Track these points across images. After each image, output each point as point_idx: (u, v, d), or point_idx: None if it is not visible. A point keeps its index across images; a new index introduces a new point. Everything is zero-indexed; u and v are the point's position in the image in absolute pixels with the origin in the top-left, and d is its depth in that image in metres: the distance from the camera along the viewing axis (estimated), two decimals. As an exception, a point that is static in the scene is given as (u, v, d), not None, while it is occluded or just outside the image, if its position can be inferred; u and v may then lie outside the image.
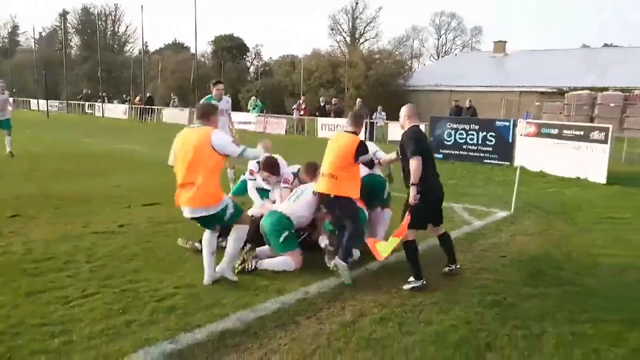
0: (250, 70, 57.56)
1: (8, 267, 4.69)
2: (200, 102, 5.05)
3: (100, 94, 37.00)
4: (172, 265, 4.97)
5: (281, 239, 4.97)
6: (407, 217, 4.56)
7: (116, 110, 36.11)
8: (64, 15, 62.87)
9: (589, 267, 5.29)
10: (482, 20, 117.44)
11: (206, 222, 4.54)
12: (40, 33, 69.01)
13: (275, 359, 3.29)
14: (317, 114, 23.91)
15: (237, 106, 29.25)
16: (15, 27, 71.81)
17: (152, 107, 32.67)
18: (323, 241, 5.32)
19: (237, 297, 4.20)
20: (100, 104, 37.60)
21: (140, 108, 33.35)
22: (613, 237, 6.47)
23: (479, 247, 5.94)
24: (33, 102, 45.25)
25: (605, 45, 49.39)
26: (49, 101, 38.58)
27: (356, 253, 5.15)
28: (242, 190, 6.44)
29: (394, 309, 4.10)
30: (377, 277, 4.84)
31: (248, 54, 59.47)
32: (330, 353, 3.37)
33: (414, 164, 4.54)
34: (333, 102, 24.36)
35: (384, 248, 4.57)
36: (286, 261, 4.92)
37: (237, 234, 4.59)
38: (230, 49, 53.87)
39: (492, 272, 5.08)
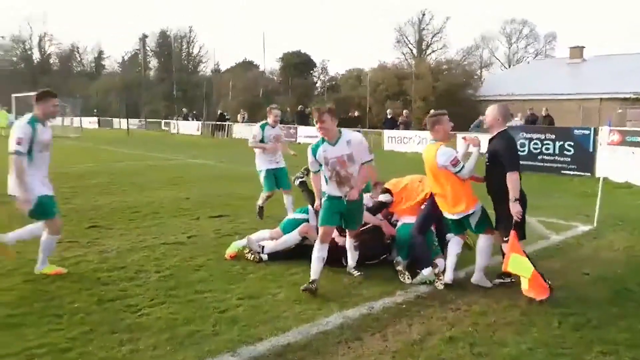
0: (317, 85, 58.29)
1: (84, 276, 4.92)
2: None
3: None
4: (236, 276, 4.99)
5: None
6: (514, 232, 4.32)
7: (190, 127, 37.74)
8: (143, 39, 66.86)
9: (687, 288, 4.75)
10: (556, 26, 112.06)
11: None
12: (122, 57, 73.93)
13: (338, 377, 3.16)
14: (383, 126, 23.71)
15: (305, 121, 29.66)
16: (100, 52, 77.33)
17: (223, 123, 33.83)
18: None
19: (299, 311, 4.13)
20: (175, 121, 39.48)
21: (212, 124, 34.64)
22: None
23: (558, 263, 5.52)
24: (115, 121, 48.40)
25: (698, 46, 45.42)
26: (129, 120, 41.04)
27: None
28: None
29: (465, 328, 3.85)
30: (445, 293, 4.59)
31: (315, 69, 60.31)
32: (395, 372, 3.20)
33: (514, 178, 4.32)
34: (404, 114, 24.09)
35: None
36: (292, 236, 5.44)
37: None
38: (298, 65, 54.86)
39: (573, 290, 4.67)
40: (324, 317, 4.01)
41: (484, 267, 4.71)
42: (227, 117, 35.27)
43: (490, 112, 4.58)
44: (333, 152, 4.63)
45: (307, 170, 5.70)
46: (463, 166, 4.55)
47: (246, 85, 51.15)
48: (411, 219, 5.26)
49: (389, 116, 23.66)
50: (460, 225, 4.78)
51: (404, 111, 25.51)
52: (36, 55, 73.82)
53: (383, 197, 5.65)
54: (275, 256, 5.45)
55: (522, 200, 4.44)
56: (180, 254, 5.71)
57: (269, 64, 66.06)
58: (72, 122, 36.32)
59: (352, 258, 5.10)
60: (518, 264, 4.25)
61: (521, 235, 4.51)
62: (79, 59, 77.15)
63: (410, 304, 4.33)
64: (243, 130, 31.53)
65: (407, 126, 22.95)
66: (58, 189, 10.06)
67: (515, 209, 4.30)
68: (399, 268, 4.96)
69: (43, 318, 3.90)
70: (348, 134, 4.78)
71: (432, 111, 5.13)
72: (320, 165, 4.74)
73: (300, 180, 6.58)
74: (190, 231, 6.77)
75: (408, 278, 4.83)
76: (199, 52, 73.32)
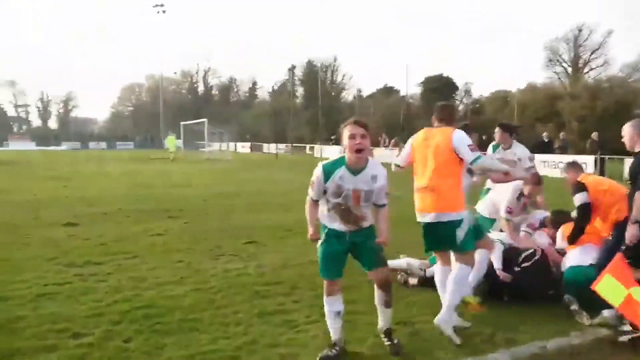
0: (460, 108, 56.67)
1: (245, 288, 5.18)
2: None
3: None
4: (389, 300, 4.86)
5: None
6: (620, 255, 3.83)
7: (333, 151, 39.08)
8: (292, 69, 71.56)
9: None
10: None
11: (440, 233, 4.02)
12: (272, 87, 79.93)
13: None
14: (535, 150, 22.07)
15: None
16: (254, 83, 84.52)
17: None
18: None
19: (461, 343, 3.84)
20: (319, 146, 41.25)
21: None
22: None
23: None
24: (265, 145, 52.12)
25: None
26: (277, 144, 43.90)
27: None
28: None
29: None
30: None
31: (457, 92, 58.81)
32: None
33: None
34: (561, 137, 22.24)
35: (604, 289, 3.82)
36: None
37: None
38: (439, 88, 54.04)
39: None
40: (489, 352, 3.69)
41: (455, 305, 4.04)
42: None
43: (627, 132, 4.16)
44: (351, 183, 3.56)
45: None
46: (480, 156, 3.98)
47: (387, 110, 51.75)
48: (583, 256, 4.62)
49: (545, 139, 21.70)
50: (442, 235, 4.02)
51: (561, 133, 23.49)
52: (200, 88, 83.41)
53: (580, 198, 4.60)
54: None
55: None
56: (332, 273, 5.75)
57: (410, 88, 66.09)
58: (228, 147, 40.00)
59: (382, 317, 3.89)
60: (610, 288, 3.72)
61: (635, 263, 3.93)
62: (235, 89, 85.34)
63: (590, 349, 3.79)
64: (384, 154, 31.76)
65: (563, 150, 21.04)
66: (218, 207, 11.03)
67: (631, 231, 3.84)
68: (574, 307, 4.38)
69: (212, 325, 4.16)
70: (376, 166, 3.64)
71: (440, 102, 4.37)
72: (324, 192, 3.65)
73: None
74: (339, 251, 6.82)
75: (587, 319, 4.24)
76: (342, 79, 76.27)
